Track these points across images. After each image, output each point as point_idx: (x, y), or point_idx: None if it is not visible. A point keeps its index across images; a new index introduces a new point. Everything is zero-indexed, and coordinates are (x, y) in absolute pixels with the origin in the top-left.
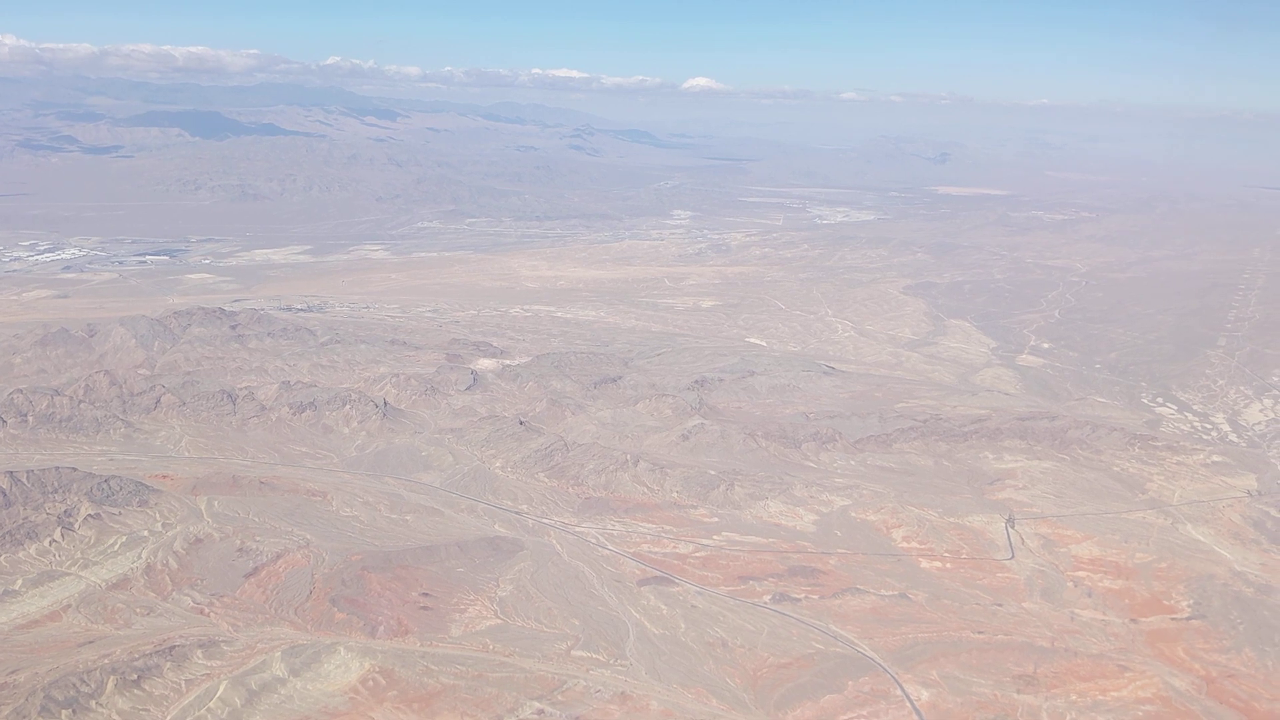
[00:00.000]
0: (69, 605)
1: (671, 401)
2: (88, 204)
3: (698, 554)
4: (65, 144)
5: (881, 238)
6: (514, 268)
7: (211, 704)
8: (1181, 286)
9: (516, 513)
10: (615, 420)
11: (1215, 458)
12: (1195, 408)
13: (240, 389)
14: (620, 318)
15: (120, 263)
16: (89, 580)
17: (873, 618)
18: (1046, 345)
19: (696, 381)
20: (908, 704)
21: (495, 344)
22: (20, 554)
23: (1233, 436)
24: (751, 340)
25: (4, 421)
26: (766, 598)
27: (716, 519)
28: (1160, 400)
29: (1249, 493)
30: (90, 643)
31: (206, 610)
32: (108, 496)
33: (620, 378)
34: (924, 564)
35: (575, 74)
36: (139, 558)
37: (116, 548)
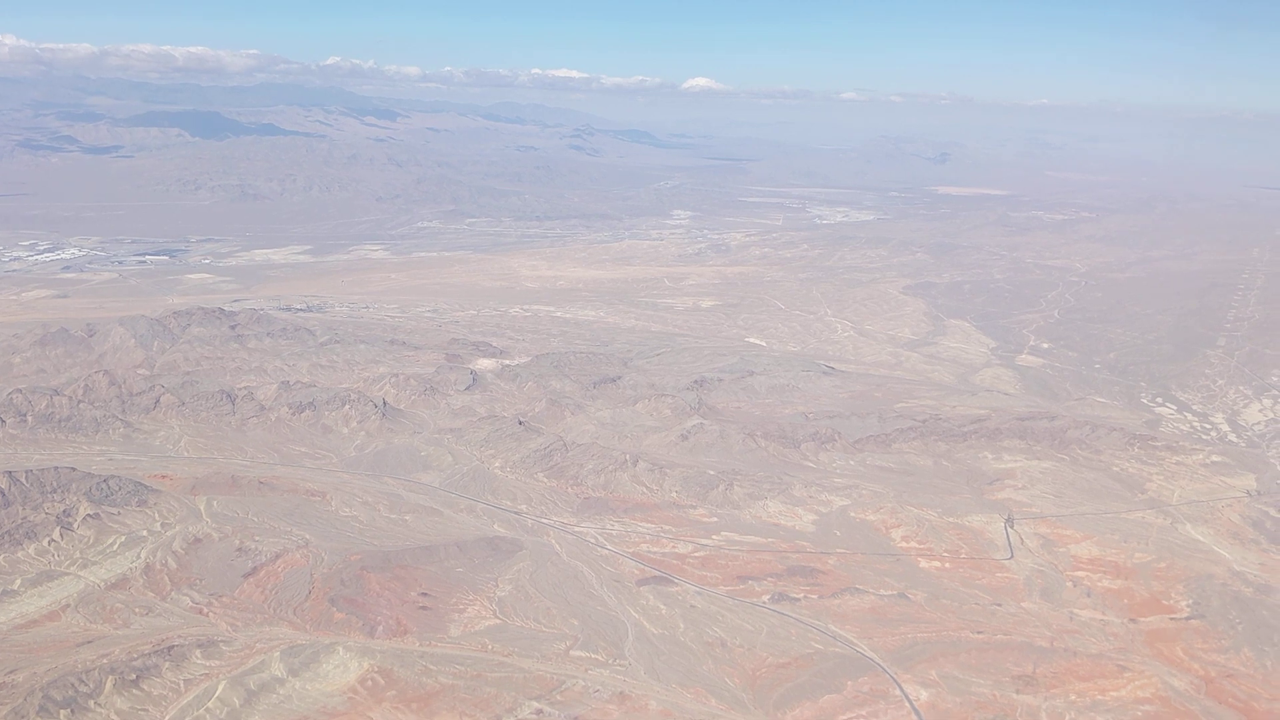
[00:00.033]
0: (68, 605)
1: (671, 401)
2: (87, 204)
3: (697, 554)
4: (65, 144)
5: (881, 238)
6: (514, 268)
7: (210, 704)
8: (1181, 286)
9: (515, 513)
10: (614, 420)
11: (1214, 458)
12: (1194, 408)
13: (239, 389)
14: (620, 318)
15: (120, 263)
16: (88, 580)
17: (872, 617)
18: (1046, 345)
19: (696, 381)
20: (906, 704)
21: (495, 344)
22: (19, 554)
23: (1232, 436)
24: (751, 340)
25: (3, 421)
26: (765, 597)
27: (715, 519)
28: (1160, 400)
29: (1248, 493)
30: (89, 642)
31: (205, 610)
32: (107, 496)
33: (619, 378)
34: (923, 564)
35: (575, 74)
36: (138, 558)
37: (115, 548)
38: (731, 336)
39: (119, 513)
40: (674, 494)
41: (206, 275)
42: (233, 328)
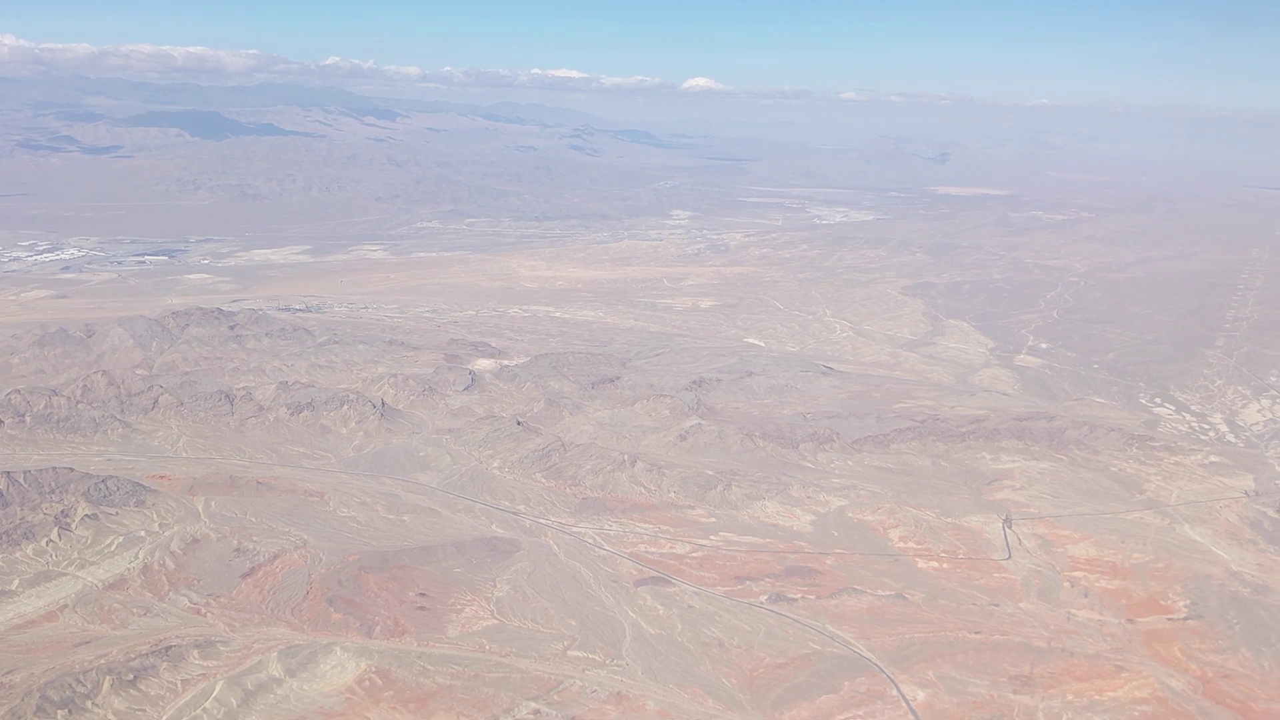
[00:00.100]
0: (66, 605)
1: (669, 402)
2: (87, 204)
3: (694, 554)
4: (64, 144)
5: (880, 238)
6: (513, 268)
7: (207, 704)
8: (1180, 287)
9: (514, 513)
10: (613, 420)
11: (1213, 458)
12: (1193, 408)
13: (238, 389)
14: (618, 318)
15: (119, 263)
16: (86, 580)
17: (869, 618)
18: (1045, 345)
19: (694, 382)
20: (904, 704)
21: (493, 344)
22: (17, 554)
23: (1230, 437)
24: (750, 340)
25: (1, 422)
26: (763, 598)
27: (713, 519)
28: (1158, 400)
29: (1246, 493)
30: (87, 643)
31: (203, 610)
32: (105, 497)
33: (618, 378)
34: (921, 564)
35: (575, 74)
36: (136, 558)
37: (113, 548)
38: (730, 337)
39: (117, 513)
40: (672, 494)
41: (205, 275)
42: (231, 328)
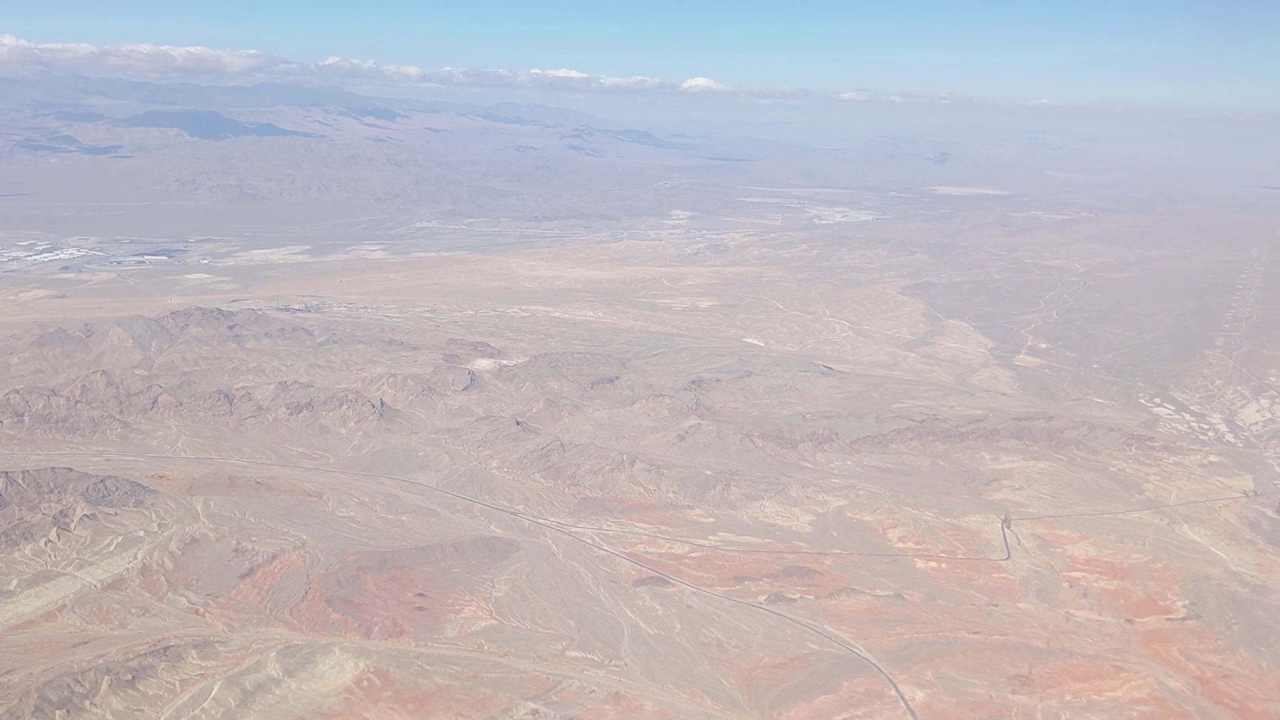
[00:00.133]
0: (64, 605)
1: (668, 402)
2: (86, 204)
3: (693, 554)
4: (64, 144)
5: (880, 238)
6: (512, 268)
7: (206, 704)
8: (1180, 287)
9: (512, 513)
10: (612, 420)
11: (1212, 458)
12: (1192, 408)
13: (237, 389)
14: (618, 318)
15: (118, 263)
16: (84, 580)
17: (868, 618)
18: (1044, 345)
19: (693, 382)
20: (902, 704)
21: (493, 344)
22: (16, 554)
23: (1229, 437)
24: (749, 340)
25: (1, 422)
26: (762, 598)
27: (712, 519)
28: (1157, 400)
29: (1245, 493)
30: (85, 643)
31: (202, 610)
32: (104, 497)
33: (617, 378)
34: (919, 564)
35: (575, 74)
36: (134, 558)
37: (112, 548)
38: (729, 337)
39: (116, 513)
40: (671, 494)
41: (205, 275)
42: (231, 328)
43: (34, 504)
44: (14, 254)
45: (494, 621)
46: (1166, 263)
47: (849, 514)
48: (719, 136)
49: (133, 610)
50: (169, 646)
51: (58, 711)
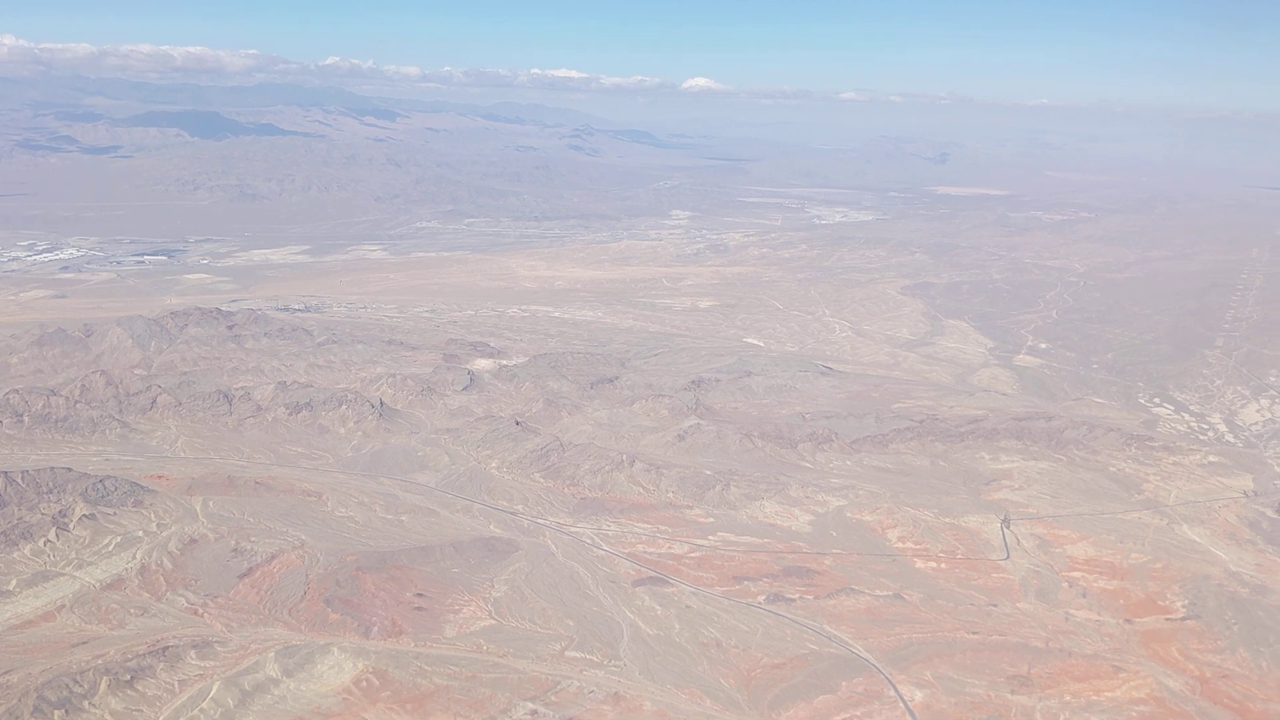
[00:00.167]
0: (63, 605)
1: (668, 402)
2: (86, 204)
3: (693, 554)
4: (64, 144)
5: (880, 238)
6: (512, 268)
7: (204, 704)
8: (1180, 287)
9: (512, 513)
10: (611, 420)
11: (1211, 458)
12: (1192, 408)
13: (236, 389)
14: (617, 318)
15: (118, 263)
16: (83, 580)
17: (867, 618)
18: (1044, 345)
19: (693, 382)
20: (901, 704)
21: (492, 344)
22: (15, 554)
23: (1229, 437)
24: (749, 340)
25: (0, 421)
26: (761, 598)
27: (712, 519)
28: (1157, 400)
29: (1245, 493)
30: (84, 643)
31: (200, 611)
32: (103, 497)
33: (617, 378)
34: (919, 564)
35: (574, 74)
36: (133, 558)
37: (111, 548)
38: (729, 337)
39: (115, 513)
40: (670, 494)
41: (205, 275)
42: (230, 328)
43: (33, 504)
44: (14, 254)
45: (493, 622)
46: (1166, 263)
47: (848, 514)
48: (719, 136)
49: (131, 610)
50: (167, 647)
51: (56, 711)
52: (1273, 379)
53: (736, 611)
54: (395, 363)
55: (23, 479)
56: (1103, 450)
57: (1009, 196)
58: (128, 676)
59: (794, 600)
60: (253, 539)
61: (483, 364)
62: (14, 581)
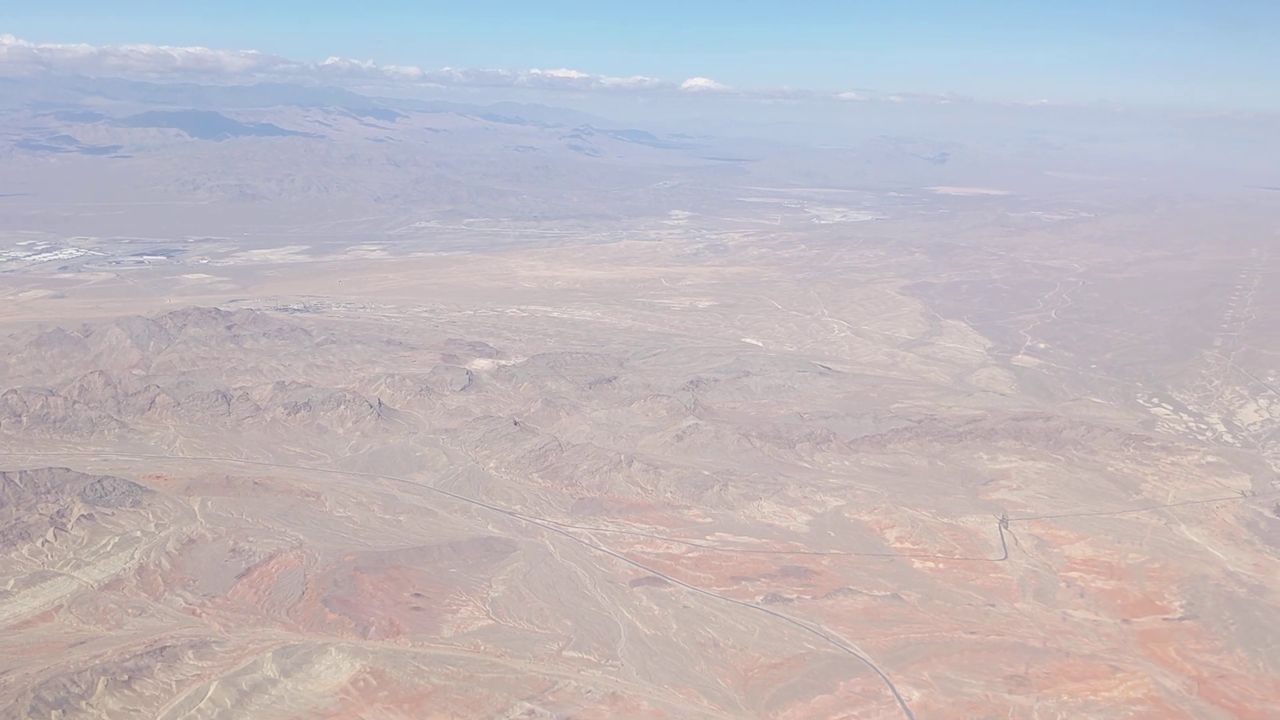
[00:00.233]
0: (61, 606)
1: (666, 402)
2: (86, 204)
3: (690, 554)
4: (64, 144)
5: (879, 238)
6: (511, 268)
7: (202, 704)
8: (1179, 287)
9: (510, 513)
10: (610, 421)
11: (1210, 458)
12: (1190, 408)
13: (235, 389)
14: (616, 318)
15: (117, 263)
16: (81, 581)
17: (865, 618)
18: (1042, 345)
19: (691, 382)
20: (898, 704)
21: (491, 344)
22: (13, 554)
23: (1228, 437)
24: (747, 340)
25: None
26: (759, 598)
27: (710, 519)
28: (1156, 400)
29: (1243, 493)
30: (81, 643)
31: (198, 611)
32: (101, 497)
33: (615, 378)
34: (917, 564)
35: (574, 74)
36: (131, 558)
37: (109, 548)
38: (728, 337)
39: (113, 513)
40: (668, 494)
41: (204, 275)
42: (229, 328)
43: (31, 504)
44: (13, 254)
45: (491, 622)
46: (1165, 263)
47: (846, 514)
48: (719, 136)
49: (129, 610)
50: (165, 647)
51: (54, 712)
52: (1271, 379)
53: (734, 611)
54: (394, 363)
55: (21, 479)
56: (1101, 450)
57: (1009, 196)
58: (125, 676)
59: (791, 600)
60: (251, 539)
61: (481, 364)
62: (12, 582)
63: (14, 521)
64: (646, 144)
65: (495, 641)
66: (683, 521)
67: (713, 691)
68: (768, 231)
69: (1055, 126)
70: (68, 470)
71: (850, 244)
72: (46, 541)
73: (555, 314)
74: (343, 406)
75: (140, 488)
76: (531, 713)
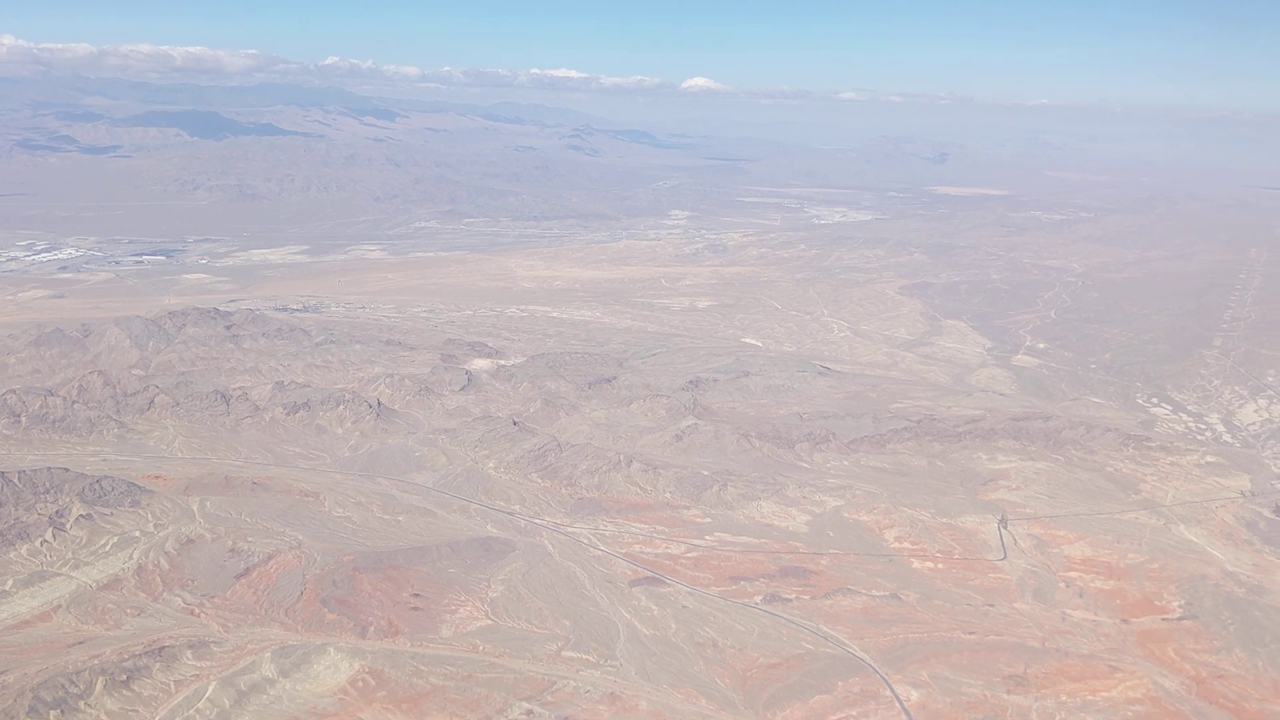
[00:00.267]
0: (60, 606)
1: (665, 402)
2: (85, 204)
3: (689, 554)
4: (63, 144)
5: (879, 238)
6: (511, 268)
7: (200, 704)
8: (1178, 287)
9: (509, 513)
10: (609, 421)
11: (1209, 458)
12: (1190, 408)
13: (234, 389)
14: (616, 318)
15: (117, 263)
16: (80, 581)
17: (863, 618)
18: (1042, 345)
19: (691, 382)
20: (897, 704)
21: (490, 344)
22: (11, 554)
23: (1227, 437)
24: (747, 340)
25: None
26: (757, 598)
27: (709, 519)
28: (1155, 401)
29: (1242, 493)
30: (80, 643)
31: (197, 611)
32: (100, 497)
33: (615, 378)
34: (916, 564)
35: (574, 74)
36: (130, 558)
37: (108, 548)
38: (727, 337)
39: (112, 513)
40: (668, 494)
41: (203, 275)
42: (228, 328)
43: (30, 504)
44: (12, 254)
45: (489, 622)
46: (1165, 263)
47: (845, 514)
48: (719, 136)
49: (128, 610)
50: (164, 647)
51: (52, 712)
52: (1270, 379)
53: (733, 611)
54: (393, 363)
55: (19, 479)
56: (1100, 450)
57: (1008, 196)
58: (124, 676)
59: (790, 600)
60: (250, 539)
61: (480, 364)
62: (10, 582)
63: (13, 521)
64: (646, 144)
65: (494, 641)
66: (682, 521)
67: (711, 691)
68: (767, 231)
69: (1055, 126)
70: (66, 470)
71: (850, 244)
72: (45, 541)
73: (554, 314)
74: (342, 406)
75: (139, 488)
76: (530, 713)
